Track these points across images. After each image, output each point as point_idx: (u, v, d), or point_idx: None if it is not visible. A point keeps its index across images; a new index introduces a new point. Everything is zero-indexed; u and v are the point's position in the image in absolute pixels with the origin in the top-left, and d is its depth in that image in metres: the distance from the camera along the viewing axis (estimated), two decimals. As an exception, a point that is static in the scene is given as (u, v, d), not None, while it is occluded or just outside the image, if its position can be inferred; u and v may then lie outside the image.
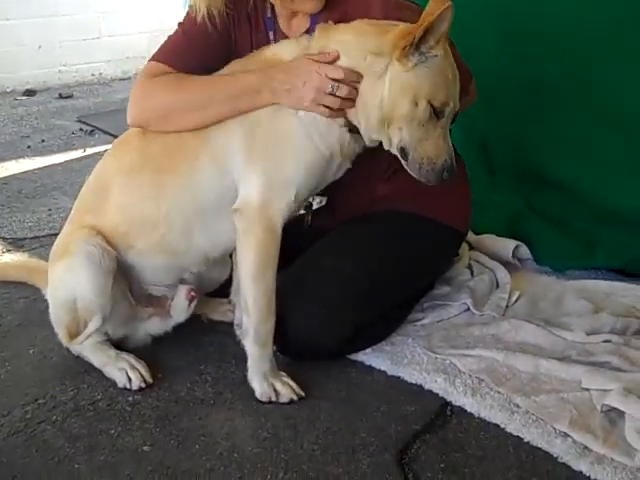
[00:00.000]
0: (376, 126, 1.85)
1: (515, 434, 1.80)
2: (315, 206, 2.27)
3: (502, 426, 1.82)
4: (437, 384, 1.98)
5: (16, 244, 3.02)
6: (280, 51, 1.97)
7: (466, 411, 1.89)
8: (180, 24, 2.12)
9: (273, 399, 1.93)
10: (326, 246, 2.15)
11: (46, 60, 5.74)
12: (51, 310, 2.10)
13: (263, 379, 1.95)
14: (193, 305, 2.16)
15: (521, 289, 2.45)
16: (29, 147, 4.35)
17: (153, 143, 2.03)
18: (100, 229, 2.04)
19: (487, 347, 2.10)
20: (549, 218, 2.78)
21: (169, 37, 2.13)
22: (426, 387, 1.98)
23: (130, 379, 2.01)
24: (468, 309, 2.34)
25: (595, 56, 2.62)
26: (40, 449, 1.78)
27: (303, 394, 1.95)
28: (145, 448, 1.78)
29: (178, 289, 2.15)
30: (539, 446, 1.76)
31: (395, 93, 1.79)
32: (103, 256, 1.99)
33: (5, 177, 3.79)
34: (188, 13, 2.10)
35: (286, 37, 2.08)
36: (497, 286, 2.47)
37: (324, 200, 2.28)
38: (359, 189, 2.20)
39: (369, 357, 2.11)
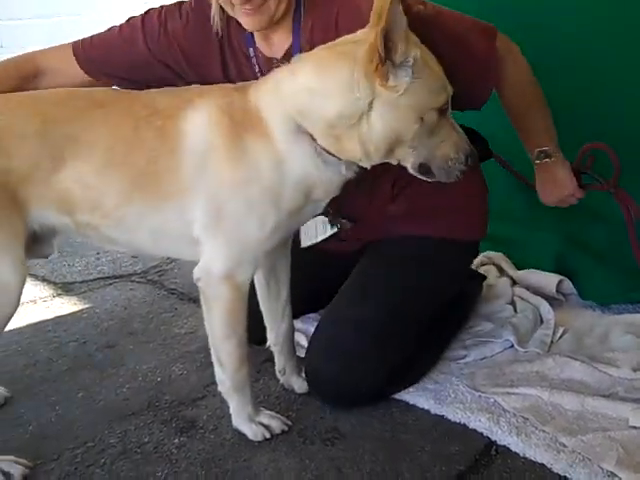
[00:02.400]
0: (382, 157, 1.73)
1: (562, 474, 1.77)
2: (328, 234, 2.23)
3: (548, 466, 1.80)
4: (481, 423, 1.96)
5: (65, 288, 3.10)
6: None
7: (511, 450, 1.87)
8: (125, 24, 2.15)
9: (267, 436, 1.95)
10: (346, 293, 2.15)
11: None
12: None
13: (249, 421, 1.97)
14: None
15: (566, 325, 2.43)
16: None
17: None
18: (41, 191, 1.81)
19: (531, 385, 2.09)
20: (593, 252, 2.76)
21: (109, 29, 2.17)
22: (470, 426, 1.97)
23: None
24: (512, 346, 2.33)
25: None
26: (89, 493, 1.81)
27: (290, 423, 1.99)
28: (191, 490, 1.80)
29: None
30: (586, 486, 1.73)
31: (397, 120, 1.65)
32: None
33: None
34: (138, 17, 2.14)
35: (267, 58, 2.03)
36: (541, 322, 2.46)
37: (335, 228, 2.22)
38: (368, 215, 2.19)
39: (412, 396, 2.11)
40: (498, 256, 2.86)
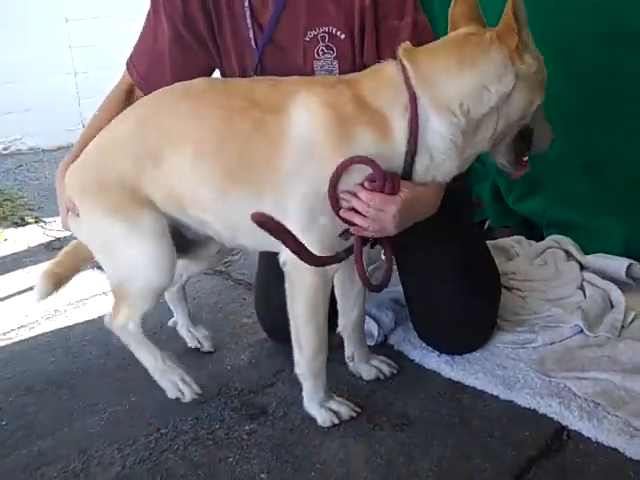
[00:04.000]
0: (500, 138, 1.80)
1: (635, 458, 1.75)
2: None
3: (621, 450, 1.78)
4: (552, 408, 1.95)
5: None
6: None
7: (583, 435, 1.86)
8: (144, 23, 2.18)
9: (335, 421, 1.98)
10: (416, 269, 2.25)
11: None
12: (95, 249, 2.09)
13: (320, 406, 2.00)
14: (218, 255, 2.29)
15: (636, 309, 2.38)
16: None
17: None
18: (158, 184, 1.94)
19: (603, 369, 2.06)
20: (664, 233, 2.70)
21: (139, 40, 2.21)
22: (540, 411, 1.96)
23: (182, 391, 2.11)
24: (581, 331, 2.29)
25: None
26: (164, 477, 1.85)
27: (359, 409, 2.02)
28: (262, 476, 1.83)
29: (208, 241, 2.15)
30: (661, 471, 1.70)
31: (530, 97, 1.76)
32: (170, 241, 1.98)
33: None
34: (152, 8, 2.15)
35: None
36: (611, 307, 2.41)
37: None
38: None
39: (481, 382, 2.10)
40: (565, 240, 2.82)
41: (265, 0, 2.01)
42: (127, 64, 2.24)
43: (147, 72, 2.18)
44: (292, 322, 1.95)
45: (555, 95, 2.92)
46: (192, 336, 2.46)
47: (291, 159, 1.77)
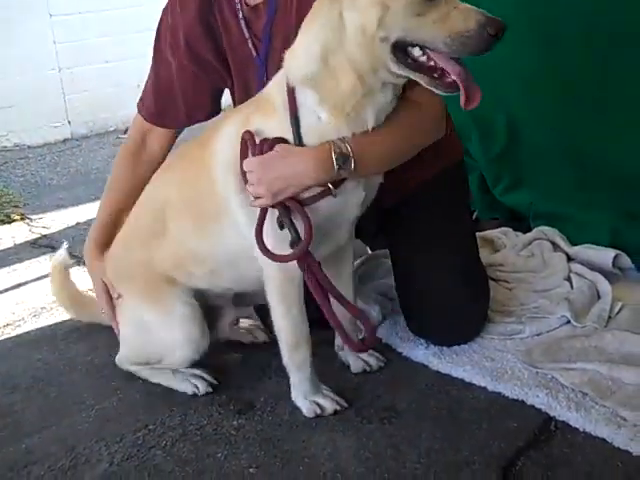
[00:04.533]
0: (367, 72, 1.75)
1: (623, 448, 1.75)
2: None
3: (609, 440, 1.78)
4: (539, 399, 1.95)
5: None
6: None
7: (570, 426, 1.86)
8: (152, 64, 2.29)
9: (318, 412, 1.99)
10: (411, 258, 2.27)
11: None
12: (129, 337, 2.24)
13: (304, 398, 2.02)
14: (235, 326, 2.41)
15: (623, 299, 2.39)
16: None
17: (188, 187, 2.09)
18: (165, 260, 2.13)
19: (590, 360, 2.06)
20: (650, 225, 2.71)
21: (147, 80, 2.31)
22: (528, 402, 1.96)
23: (196, 386, 2.15)
24: (568, 322, 2.29)
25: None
26: (152, 474, 1.84)
27: (345, 404, 2.02)
28: (251, 470, 1.82)
29: (226, 310, 2.30)
30: (648, 460, 1.71)
31: (356, 21, 1.70)
32: (201, 316, 2.13)
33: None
34: (154, 46, 2.26)
35: (251, 7, 2.07)
36: (598, 297, 2.42)
37: None
38: None
39: (469, 374, 2.11)
40: (552, 232, 2.82)
41: (258, 9, 2.05)
42: (138, 106, 2.37)
43: (158, 106, 2.30)
44: (271, 316, 1.99)
45: (543, 88, 2.98)
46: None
47: (220, 179, 1.95)
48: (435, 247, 2.24)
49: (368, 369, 2.19)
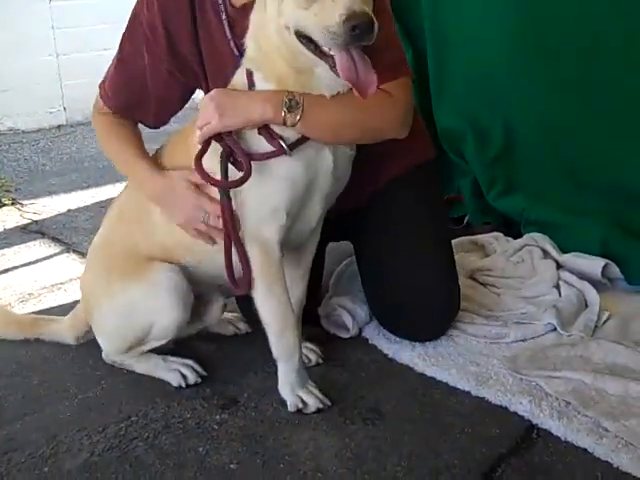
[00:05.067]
0: (287, 54, 1.82)
1: (604, 459, 1.76)
2: None
3: (590, 450, 1.78)
4: (522, 406, 1.95)
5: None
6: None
7: (552, 434, 1.86)
8: (118, 49, 2.22)
9: (300, 407, 2.00)
10: (386, 251, 2.28)
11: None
12: (110, 326, 2.20)
13: (290, 390, 2.02)
14: (224, 313, 2.36)
15: (611, 309, 2.40)
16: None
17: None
18: (154, 250, 2.13)
19: (575, 369, 2.07)
20: (640, 235, 2.72)
21: (110, 66, 2.25)
22: (511, 409, 1.96)
23: (185, 376, 2.15)
24: (554, 329, 2.30)
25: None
26: (133, 465, 1.83)
27: (329, 403, 2.02)
28: (232, 466, 1.82)
29: (215, 296, 2.28)
30: (628, 471, 1.71)
31: (269, 10, 1.80)
32: (187, 287, 2.11)
33: (102, 201, 3.94)
34: (123, 33, 2.20)
35: (236, 8, 2.05)
36: (586, 306, 2.42)
37: None
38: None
39: (454, 378, 2.11)
40: (542, 238, 2.82)
41: (245, 9, 2.00)
42: (102, 95, 2.28)
43: (128, 100, 2.24)
44: (255, 301, 2.00)
45: (541, 95, 2.98)
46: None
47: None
48: (403, 241, 2.26)
49: (306, 361, 2.18)
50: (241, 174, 1.87)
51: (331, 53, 1.73)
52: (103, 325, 2.23)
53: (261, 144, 1.90)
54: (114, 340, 2.22)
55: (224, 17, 2.06)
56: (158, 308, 2.10)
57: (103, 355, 2.27)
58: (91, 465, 1.84)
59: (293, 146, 1.89)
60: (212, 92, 1.95)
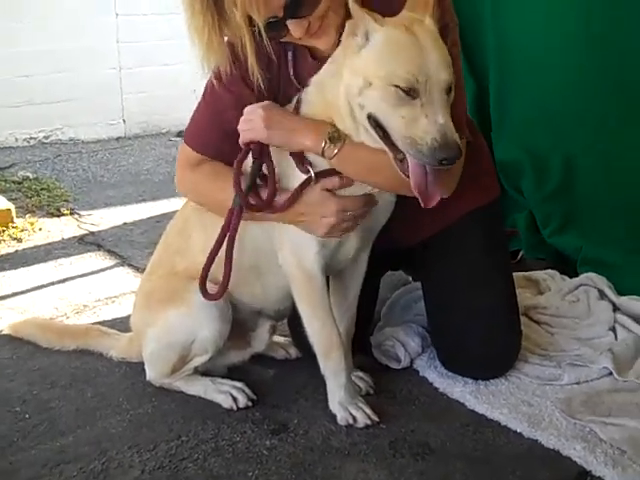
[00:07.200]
0: (349, 120, 1.86)
1: (658, 511, 1.73)
2: None
3: (644, 502, 1.76)
4: (576, 451, 1.92)
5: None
6: None
7: (606, 482, 1.83)
8: (202, 95, 2.15)
9: (350, 422, 2.04)
10: (448, 293, 2.27)
11: (198, 103, 5.98)
12: (153, 351, 2.23)
13: (339, 405, 2.07)
14: (273, 336, 2.34)
15: (669, 356, 2.35)
16: (180, 187, 4.54)
17: None
18: (189, 269, 2.16)
19: (631, 416, 2.02)
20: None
21: (194, 112, 2.19)
22: (564, 453, 1.93)
23: (235, 399, 2.17)
24: (610, 374, 2.26)
25: None
26: (182, 486, 1.85)
27: (377, 419, 2.06)
28: (281, 493, 1.82)
29: (261, 320, 2.28)
30: (683, 526, 1.68)
31: (347, 78, 1.81)
32: (224, 301, 2.12)
33: (157, 216, 4.00)
34: (207, 83, 2.14)
35: (309, 51, 2.01)
36: (643, 352, 2.38)
37: None
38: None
39: (506, 417, 2.08)
40: (600, 279, 2.78)
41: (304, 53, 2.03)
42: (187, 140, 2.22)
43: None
44: (302, 321, 2.06)
45: (602, 133, 2.95)
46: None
47: None
48: (469, 282, 2.25)
49: (357, 390, 2.17)
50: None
51: (402, 150, 1.77)
52: (147, 350, 2.26)
53: (289, 164, 1.96)
54: (157, 363, 2.25)
55: (290, 57, 2.04)
56: (196, 323, 2.13)
57: (148, 378, 2.28)
58: (141, 483, 1.86)
59: (320, 175, 1.93)
60: (264, 102, 1.97)
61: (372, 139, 1.85)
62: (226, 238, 1.98)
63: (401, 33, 1.76)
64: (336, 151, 1.88)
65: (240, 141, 1.99)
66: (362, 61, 1.78)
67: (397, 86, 1.71)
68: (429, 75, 1.72)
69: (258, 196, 1.97)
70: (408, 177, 1.79)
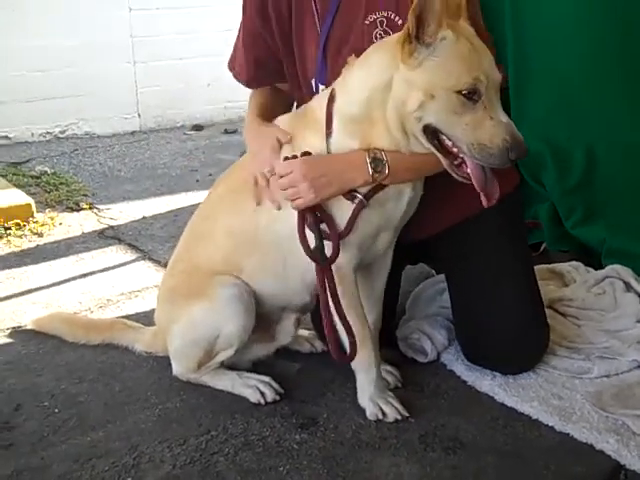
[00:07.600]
0: (399, 128, 1.84)
1: (694, 505, 1.72)
2: None
3: (680, 495, 1.75)
4: (609, 445, 1.91)
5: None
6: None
7: (641, 476, 1.82)
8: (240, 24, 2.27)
9: (380, 417, 2.04)
10: (473, 286, 2.26)
11: (213, 97, 5.97)
12: (179, 347, 2.23)
13: (369, 400, 2.07)
14: (298, 329, 2.33)
15: (698, 347, 2.33)
16: (197, 181, 4.56)
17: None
18: (213, 258, 2.17)
19: (663, 409, 2.02)
20: None
21: (236, 42, 2.34)
22: (597, 447, 1.92)
23: (263, 393, 2.16)
24: (639, 366, 2.25)
25: None
26: (214, 480, 1.85)
27: (407, 414, 2.06)
28: (313, 488, 1.82)
29: (285, 313, 2.26)
30: None
31: (401, 92, 1.79)
32: (247, 294, 2.13)
33: (176, 210, 3.99)
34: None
35: None
36: (671, 344, 2.36)
37: None
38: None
39: (537, 411, 2.07)
40: (625, 271, 2.76)
41: None
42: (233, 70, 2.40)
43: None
44: None
45: (624, 124, 2.93)
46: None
47: None
48: (493, 275, 2.24)
49: (385, 385, 2.17)
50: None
51: (460, 155, 1.79)
52: (172, 346, 2.25)
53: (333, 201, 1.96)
54: (183, 359, 2.24)
55: None
56: (221, 317, 2.12)
57: (174, 373, 2.28)
58: (173, 478, 1.86)
59: (369, 196, 1.94)
60: (299, 164, 1.95)
61: (422, 147, 1.85)
62: (328, 297, 1.98)
63: (459, 39, 1.76)
64: (386, 171, 1.89)
65: (292, 208, 1.98)
66: (425, 75, 1.76)
67: (460, 92, 1.72)
68: (488, 76, 1.74)
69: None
70: (466, 180, 1.82)
